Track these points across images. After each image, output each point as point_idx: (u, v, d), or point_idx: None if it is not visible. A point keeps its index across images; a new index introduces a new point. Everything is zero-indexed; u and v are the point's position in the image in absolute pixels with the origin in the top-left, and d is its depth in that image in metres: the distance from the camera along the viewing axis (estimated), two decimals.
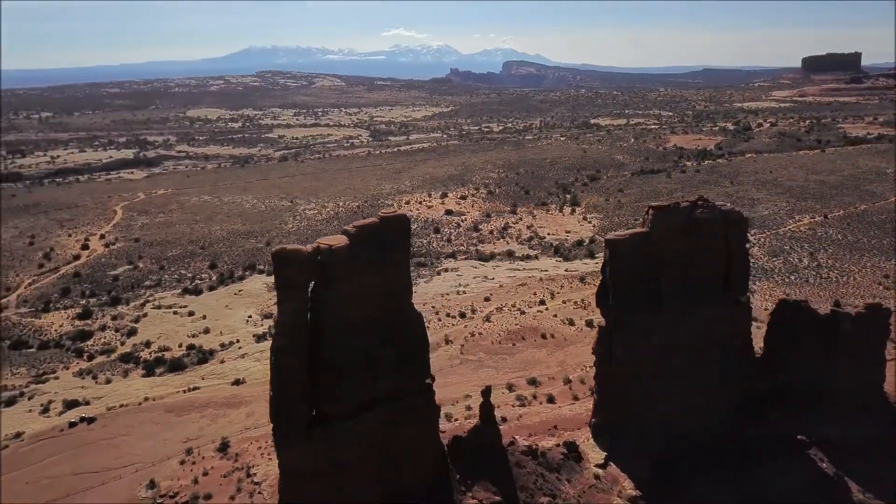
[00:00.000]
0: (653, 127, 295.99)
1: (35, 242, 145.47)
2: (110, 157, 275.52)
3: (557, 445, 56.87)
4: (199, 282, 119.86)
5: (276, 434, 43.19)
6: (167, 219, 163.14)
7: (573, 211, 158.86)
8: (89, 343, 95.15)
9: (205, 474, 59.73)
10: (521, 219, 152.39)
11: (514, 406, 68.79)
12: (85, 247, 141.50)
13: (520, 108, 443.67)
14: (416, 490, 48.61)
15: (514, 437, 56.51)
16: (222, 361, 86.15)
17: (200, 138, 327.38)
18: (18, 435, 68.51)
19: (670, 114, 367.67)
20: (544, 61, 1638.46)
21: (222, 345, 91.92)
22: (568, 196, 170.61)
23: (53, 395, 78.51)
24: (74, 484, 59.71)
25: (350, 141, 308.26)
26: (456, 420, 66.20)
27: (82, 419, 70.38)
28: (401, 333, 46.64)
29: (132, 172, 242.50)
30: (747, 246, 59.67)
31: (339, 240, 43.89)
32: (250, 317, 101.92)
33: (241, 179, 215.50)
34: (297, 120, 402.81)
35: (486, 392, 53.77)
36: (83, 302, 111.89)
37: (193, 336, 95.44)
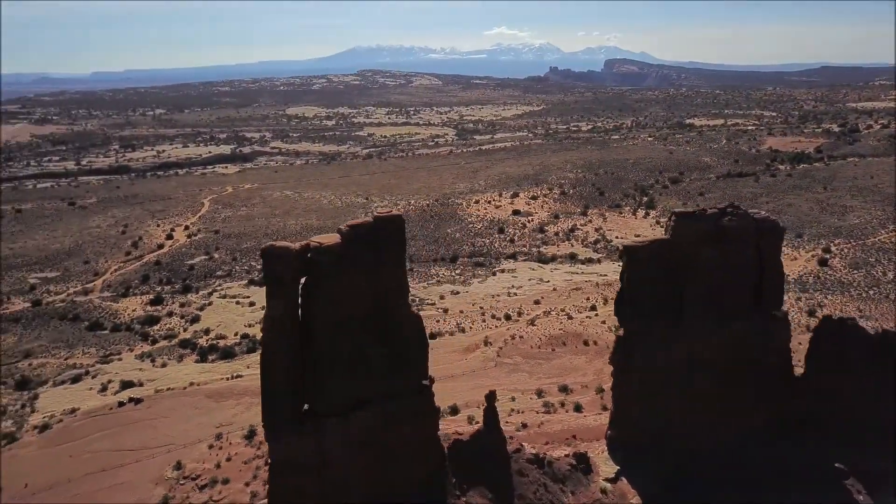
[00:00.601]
0: (750, 128, 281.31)
1: (127, 231, 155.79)
2: (209, 152, 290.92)
3: (567, 456, 55.38)
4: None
5: (265, 425, 44.37)
6: (248, 212, 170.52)
7: (647, 214, 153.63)
8: (155, 328, 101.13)
9: (228, 459, 62.28)
10: (590, 221, 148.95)
11: (538, 413, 67.58)
12: (170, 237, 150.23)
13: (613, 107, 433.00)
14: (409, 491, 48.62)
15: (521, 444, 55.48)
16: None
17: (294, 135, 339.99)
18: (73, 411, 73.79)
19: (773, 114, 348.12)
20: (649, 59, 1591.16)
21: None
22: (644, 199, 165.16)
23: (113, 375, 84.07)
24: (111, 460, 63.69)
25: (435, 139, 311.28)
26: (477, 423, 65.67)
27: (130, 399, 74.95)
28: (394, 333, 46.69)
29: (226, 167, 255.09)
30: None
31: (332, 238, 44.54)
32: None
33: (324, 176, 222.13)
34: (389, 118, 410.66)
35: (490, 397, 53.13)
36: (158, 289, 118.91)
37: (249, 326, 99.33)
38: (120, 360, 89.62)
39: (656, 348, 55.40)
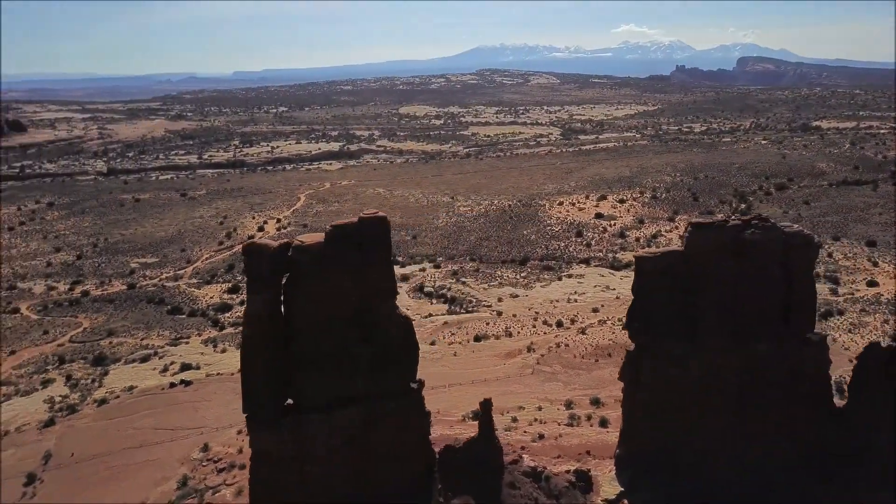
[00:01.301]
0: (882, 131, 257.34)
1: (224, 222, 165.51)
2: (319, 149, 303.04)
3: (568, 472, 53.39)
4: None
5: (246, 417, 45.92)
6: (339, 208, 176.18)
7: None
8: (226, 315, 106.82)
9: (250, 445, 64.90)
10: (676, 227, 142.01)
11: (559, 424, 65.49)
12: (261, 228, 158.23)
13: (734, 107, 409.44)
14: (393, 492, 48.70)
15: (520, 456, 54.11)
16: None
17: (401, 134, 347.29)
18: (131, 388, 79.54)
19: None
20: (789, 57, 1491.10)
21: None
22: (742, 206, 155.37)
23: (177, 357, 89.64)
24: (150, 437, 68.17)
25: (537, 139, 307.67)
26: (496, 430, 64.55)
27: (181, 382, 79.78)
28: (381, 334, 46.86)
29: (331, 164, 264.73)
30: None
31: (316, 238, 45.38)
32: None
33: (418, 174, 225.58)
34: (497, 118, 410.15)
35: (485, 405, 52.11)
36: (238, 278, 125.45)
37: None
38: (187, 343, 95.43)
39: (668, 365, 52.28)
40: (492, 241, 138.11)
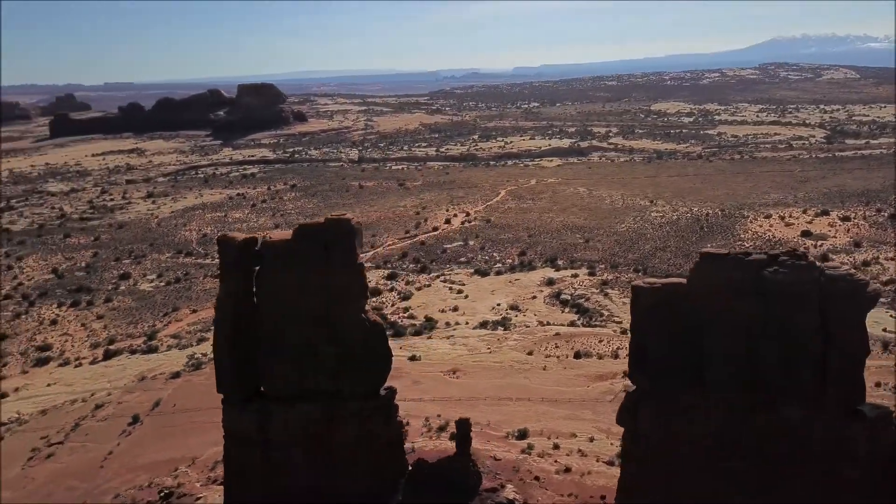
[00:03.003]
0: None
1: (421, 213, 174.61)
2: (549, 145, 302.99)
3: None
4: (499, 265, 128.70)
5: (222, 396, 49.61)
6: (530, 205, 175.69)
7: None
8: (374, 300, 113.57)
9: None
10: None
11: (599, 461, 59.45)
12: (448, 221, 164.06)
13: None
14: (355, 496, 48.97)
15: (502, 485, 50.56)
16: (429, 337, 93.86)
17: (640, 132, 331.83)
18: None
19: None
20: None
21: (447, 323, 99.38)
22: None
23: None
24: None
25: (791, 142, 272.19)
26: (542, 455, 60.46)
27: None
28: (346, 336, 47.24)
29: (551, 160, 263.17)
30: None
31: (285, 235, 47.17)
32: (499, 304, 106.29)
33: (631, 175, 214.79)
34: (758, 116, 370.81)
35: (460, 424, 49.64)
36: (405, 266, 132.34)
37: (442, 311, 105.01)
38: None
39: (672, 414, 44.75)
40: (667, 253, 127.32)
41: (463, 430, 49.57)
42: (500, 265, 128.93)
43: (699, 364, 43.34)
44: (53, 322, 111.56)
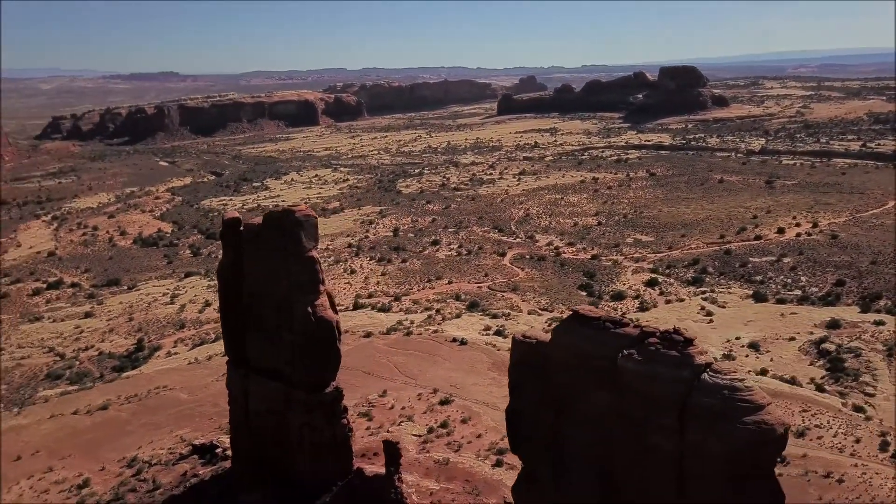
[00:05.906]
0: None
1: (758, 217, 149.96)
2: None
3: None
4: (796, 292, 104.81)
5: None
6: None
7: None
8: (609, 304, 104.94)
9: (403, 407, 70.71)
10: None
11: None
12: (781, 231, 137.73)
13: None
14: (303, 477, 49.63)
15: None
16: None
17: None
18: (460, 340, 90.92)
19: None
20: None
21: None
22: None
23: (511, 323, 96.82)
24: (382, 371, 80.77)
25: None
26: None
27: (454, 339, 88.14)
28: (301, 327, 47.59)
29: None
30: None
31: (257, 220, 49.40)
32: (737, 338, 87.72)
33: None
34: None
35: (388, 446, 45.37)
36: (678, 274, 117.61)
37: (680, 320, 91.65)
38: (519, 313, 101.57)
39: (544, 496, 33.92)
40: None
41: (389, 453, 45.25)
42: (796, 292, 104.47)
43: (559, 443, 31.78)
44: (352, 272, 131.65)
